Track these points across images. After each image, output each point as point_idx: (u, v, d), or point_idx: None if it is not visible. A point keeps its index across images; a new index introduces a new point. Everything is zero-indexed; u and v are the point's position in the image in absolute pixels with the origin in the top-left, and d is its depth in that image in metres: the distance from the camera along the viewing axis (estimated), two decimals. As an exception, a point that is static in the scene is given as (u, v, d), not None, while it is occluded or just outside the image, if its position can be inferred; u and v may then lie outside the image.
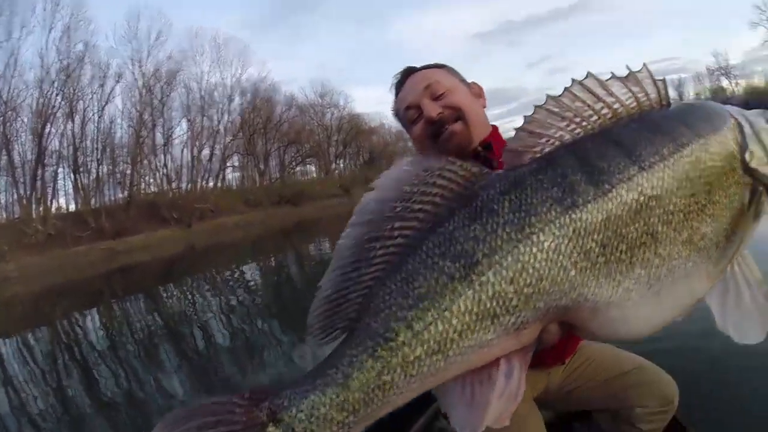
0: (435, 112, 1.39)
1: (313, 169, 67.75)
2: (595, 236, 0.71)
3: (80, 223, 34.43)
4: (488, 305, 0.70)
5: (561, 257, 0.70)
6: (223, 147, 52.16)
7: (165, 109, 47.11)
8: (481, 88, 1.59)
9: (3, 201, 36.14)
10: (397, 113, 1.55)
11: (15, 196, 36.07)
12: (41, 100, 37.88)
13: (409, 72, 1.53)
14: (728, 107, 0.89)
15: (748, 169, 0.82)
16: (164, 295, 12.72)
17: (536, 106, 0.80)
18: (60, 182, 39.71)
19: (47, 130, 38.09)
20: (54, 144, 39.13)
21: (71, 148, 39.65)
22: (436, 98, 1.42)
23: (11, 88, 36.58)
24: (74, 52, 39.56)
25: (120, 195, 42.29)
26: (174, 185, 46.66)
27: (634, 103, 0.81)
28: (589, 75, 0.81)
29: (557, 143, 0.78)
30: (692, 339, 3.37)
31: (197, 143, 49.56)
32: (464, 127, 1.42)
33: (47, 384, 6.35)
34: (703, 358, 3.48)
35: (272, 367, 5.57)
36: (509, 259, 0.70)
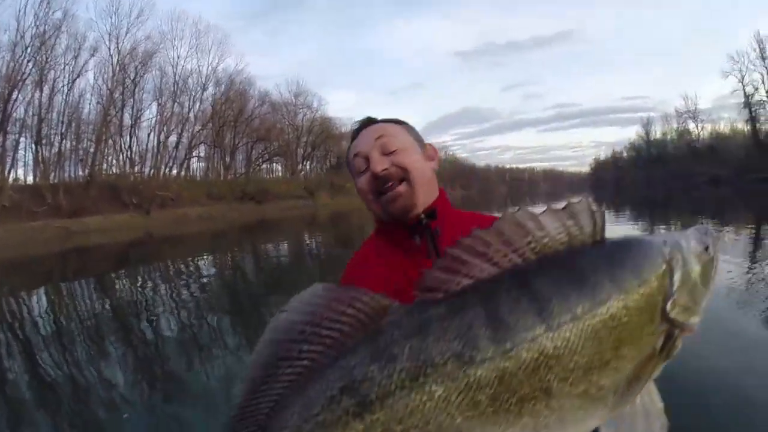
0: (381, 167, 1.35)
1: (279, 168, 67.80)
2: (487, 390, 0.71)
3: (37, 197, 33.77)
4: None
5: (449, 406, 0.71)
6: (191, 135, 51.79)
7: (137, 90, 46.75)
8: (435, 150, 1.54)
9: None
10: (348, 161, 1.52)
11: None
12: (12, 65, 37.20)
13: (367, 122, 1.48)
14: (670, 238, 0.86)
15: (667, 319, 0.80)
16: (116, 281, 12.42)
17: (461, 239, 0.79)
18: (20, 153, 38.98)
19: (14, 96, 37.40)
20: (19, 112, 38.44)
21: (36, 118, 38.97)
22: (387, 153, 1.38)
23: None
24: (52, 19, 38.96)
25: (81, 173, 41.68)
26: (137, 169, 46.14)
27: (566, 238, 0.80)
28: (521, 208, 0.81)
29: (476, 281, 0.77)
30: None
31: (165, 129, 49.23)
32: (409, 190, 1.37)
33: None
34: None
35: (218, 362, 5.61)
36: (400, 403, 0.71)
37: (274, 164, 66.75)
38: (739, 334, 5.07)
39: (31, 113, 38.90)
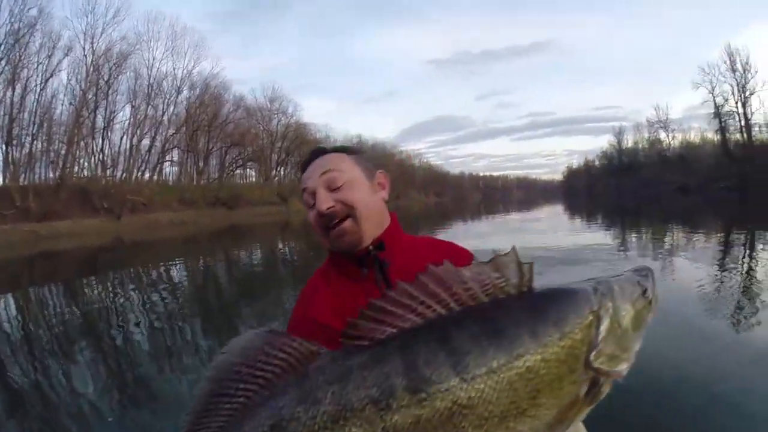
0: (326, 206, 1.36)
1: (253, 173, 67.24)
2: None
3: (6, 199, 33.19)
4: None
5: None
6: (164, 139, 51.33)
7: (110, 92, 46.02)
8: (386, 178, 1.54)
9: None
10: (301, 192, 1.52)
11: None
12: (-16, 62, 36.48)
13: (317, 153, 1.49)
14: (602, 285, 0.88)
15: (591, 368, 0.82)
16: (85, 287, 12.14)
17: (386, 291, 0.84)
18: (-11, 152, 37.98)
19: (-15, 95, 36.63)
20: (-10, 111, 37.56)
21: (7, 117, 38.16)
22: (333, 189, 1.38)
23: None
24: (27, 16, 38.37)
25: (51, 175, 40.87)
26: (109, 173, 45.49)
27: (491, 291, 0.83)
28: (446, 262, 0.84)
29: (400, 331, 0.82)
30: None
31: (138, 132, 48.61)
32: (354, 226, 1.37)
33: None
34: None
35: (189, 369, 5.55)
36: None
37: (248, 170, 66.40)
38: (710, 339, 5.22)
39: (2, 112, 38.20)
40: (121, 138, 47.36)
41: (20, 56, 38.52)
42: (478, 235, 21.37)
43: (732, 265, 10.03)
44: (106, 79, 44.94)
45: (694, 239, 14.95)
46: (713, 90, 58.32)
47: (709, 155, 62.44)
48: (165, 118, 51.39)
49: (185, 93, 53.58)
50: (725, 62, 57.03)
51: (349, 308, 0.88)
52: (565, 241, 14.92)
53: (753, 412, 3.59)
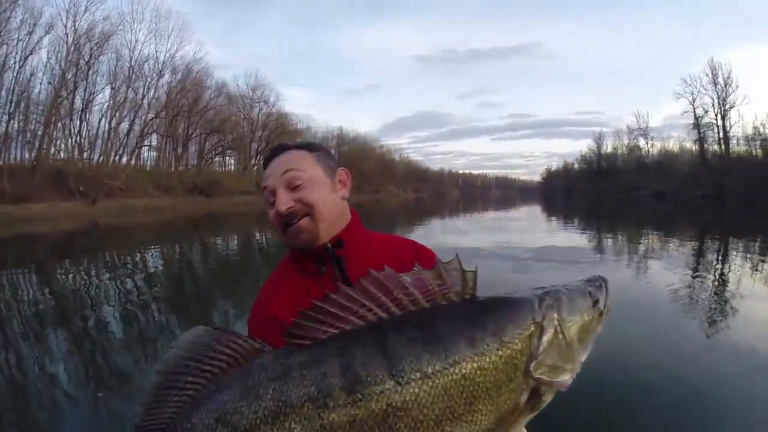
0: (285, 206, 1.37)
1: (232, 162, 66.62)
2: None
3: (-21, 180, 32.52)
4: None
5: None
6: (144, 123, 50.45)
7: (90, 72, 44.96)
8: (347, 175, 1.54)
9: None
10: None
11: None
12: (-38, 36, 35.50)
13: (279, 150, 1.49)
14: (550, 295, 0.89)
15: (531, 377, 0.83)
16: (59, 272, 12.03)
17: (327, 293, 0.86)
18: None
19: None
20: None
21: (-17, 95, 37.21)
22: (292, 188, 1.40)
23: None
24: (9, -9, 37.18)
25: (27, 156, 40.08)
26: (85, 156, 44.69)
27: (433, 297, 0.85)
28: (386, 268, 0.86)
29: (341, 332, 0.84)
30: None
31: (117, 115, 47.74)
32: (311, 224, 1.40)
33: None
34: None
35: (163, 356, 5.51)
36: None
37: (227, 158, 65.91)
38: (683, 340, 5.41)
39: (-22, 89, 37.14)
40: (100, 120, 46.57)
41: (0, 32, 37.57)
42: (457, 232, 21.50)
43: (703, 269, 10.32)
44: (86, 60, 43.88)
45: (668, 244, 15.25)
46: (694, 101, 59.45)
47: (687, 163, 63.37)
48: (145, 101, 50.48)
49: (167, 77, 52.71)
50: (707, 75, 58.17)
51: (306, 305, 0.88)
52: (542, 241, 15.24)
53: (724, 405, 3.84)
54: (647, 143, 76.95)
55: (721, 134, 57.96)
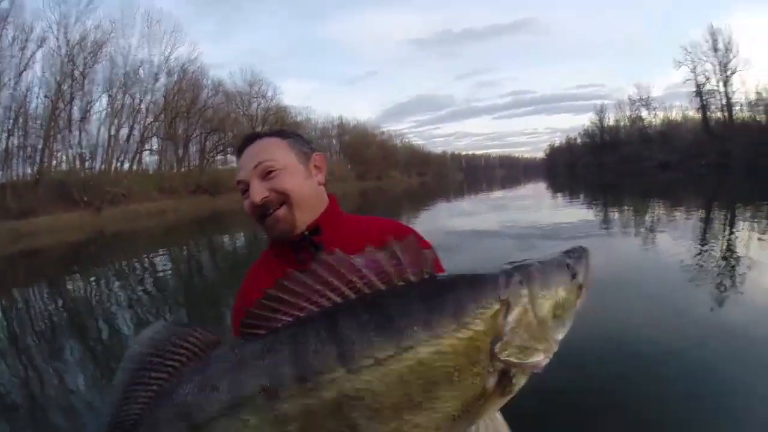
0: (260, 197, 1.37)
1: (234, 159, 66.66)
2: (295, 423, 0.75)
3: (-17, 198, 32.63)
4: None
5: None
6: (143, 128, 50.48)
7: (86, 82, 44.94)
8: (323, 160, 1.53)
9: None
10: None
11: None
12: (-44, 58, 35.58)
13: (250, 139, 1.49)
14: (520, 271, 0.84)
15: (498, 360, 0.78)
16: (69, 283, 12.08)
17: (278, 280, 0.83)
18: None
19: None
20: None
21: (-19, 114, 37.33)
22: (266, 178, 1.39)
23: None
24: (-2, 9, 37.23)
25: (29, 171, 40.22)
26: (87, 165, 44.77)
27: (389, 278, 0.82)
28: (336, 250, 0.83)
29: (294, 320, 0.82)
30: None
31: (116, 121, 47.70)
32: (288, 213, 1.40)
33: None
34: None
35: None
36: (222, 428, 0.78)
37: (229, 156, 65.75)
38: (689, 311, 5.32)
39: (-23, 109, 37.29)
40: (99, 129, 46.53)
41: (-7, 51, 37.47)
42: (463, 214, 21.46)
43: (711, 239, 10.23)
44: (81, 70, 43.86)
45: (674, 214, 15.16)
46: (695, 69, 58.38)
47: (690, 132, 62.81)
48: (143, 106, 50.46)
49: (162, 80, 52.57)
50: (707, 41, 56.90)
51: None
52: (548, 219, 15.17)
53: (725, 378, 3.75)
54: (650, 114, 75.87)
55: (724, 101, 57.11)
